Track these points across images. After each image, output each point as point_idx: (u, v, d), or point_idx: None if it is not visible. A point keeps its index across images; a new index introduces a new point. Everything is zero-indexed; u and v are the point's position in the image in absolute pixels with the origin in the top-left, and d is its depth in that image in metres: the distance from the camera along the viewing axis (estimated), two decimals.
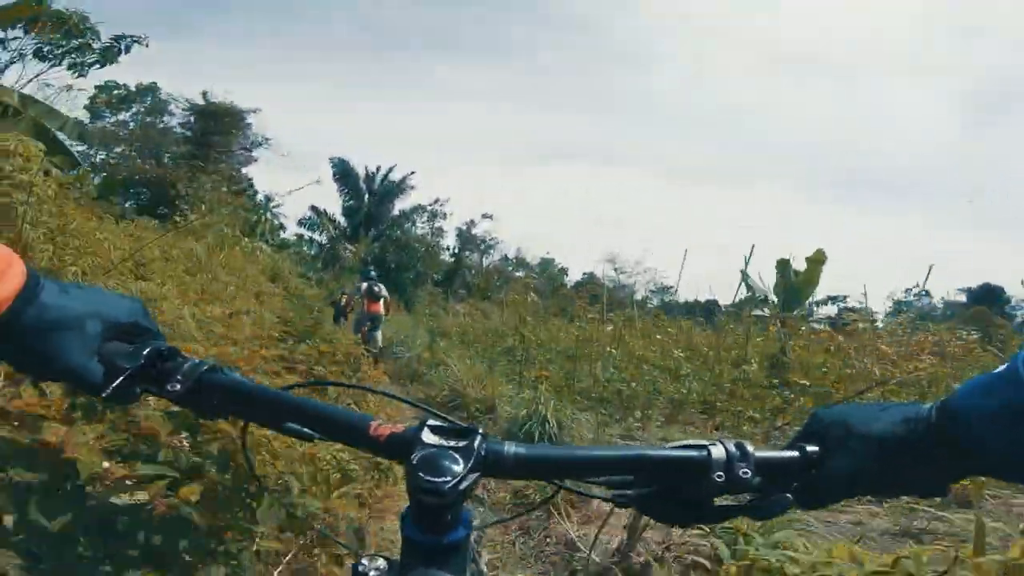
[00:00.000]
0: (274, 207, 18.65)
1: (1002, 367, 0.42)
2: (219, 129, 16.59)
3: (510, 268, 32.95)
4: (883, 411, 0.47)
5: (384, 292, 8.80)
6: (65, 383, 0.56)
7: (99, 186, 10.71)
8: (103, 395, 0.48)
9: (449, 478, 0.41)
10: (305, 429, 0.50)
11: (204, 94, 17.33)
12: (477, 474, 0.43)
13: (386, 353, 8.57)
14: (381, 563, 0.47)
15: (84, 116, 15.19)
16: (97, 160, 15.80)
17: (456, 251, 32.04)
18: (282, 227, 19.71)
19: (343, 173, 27.51)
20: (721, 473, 0.44)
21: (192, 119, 17.27)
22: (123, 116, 19.26)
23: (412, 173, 29.04)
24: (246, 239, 11.37)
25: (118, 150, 16.54)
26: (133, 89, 19.44)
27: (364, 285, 8.82)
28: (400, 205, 28.61)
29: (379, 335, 8.58)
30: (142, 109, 19.85)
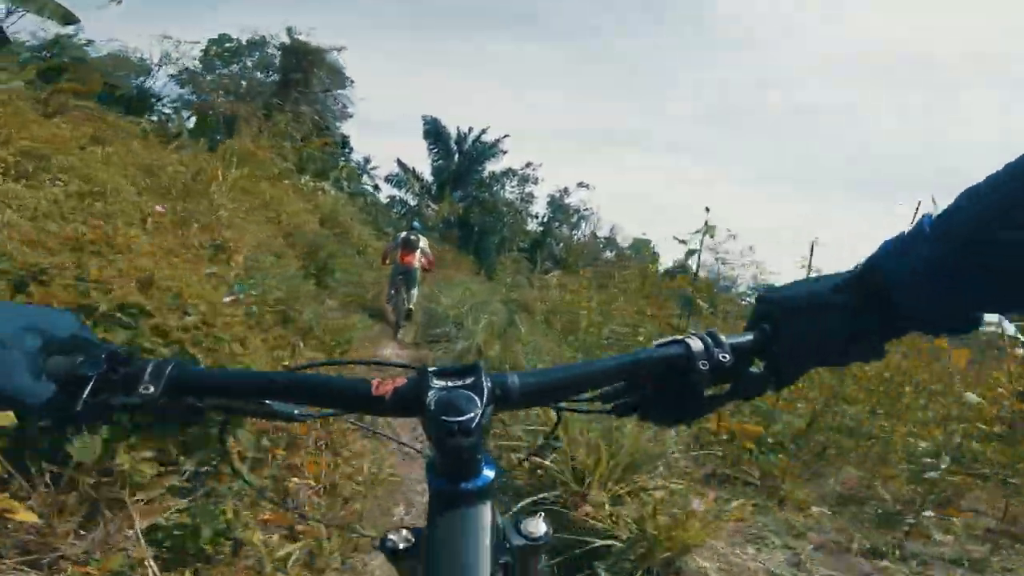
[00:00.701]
0: (372, 168, 18.00)
1: (910, 227, 0.45)
2: (300, 67, 16.01)
3: (600, 245, 30.35)
4: (816, 283, 0.50)
5: (423, 244, 7.54)
6: (11, 409, 0.43)
7: (194, 126, 11.28)
8: (74, 413, 0.42)
9: (471, 414, 0.42)
10: (295, 411, 0.50)
11: (289, 30, 16.90)
12: (491, 407, 0.44)
13: (410, 317, 7.32)
14: (406, 533, 0.51)
15: (198, 66, 16.52)
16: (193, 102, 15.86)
17: (545, 219, 29.70)
18: (376, 188, 18.82)
19: (434, 132, 26.51)
20: (704, 361, 0.48)
21: (277, 58, 16.90)
22: (234, 68, 19.39)
23: (505, 136, 27.41)
24: (306, 177, 10.36)
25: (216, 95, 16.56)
26: (244, 43, 19.55)
27: (401, 235, 7.68)
28: (490, 168, 27.15)
29: (414, 292, 7.44)
30: (250, 63, 19.93)
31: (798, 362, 0.50)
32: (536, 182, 28.06)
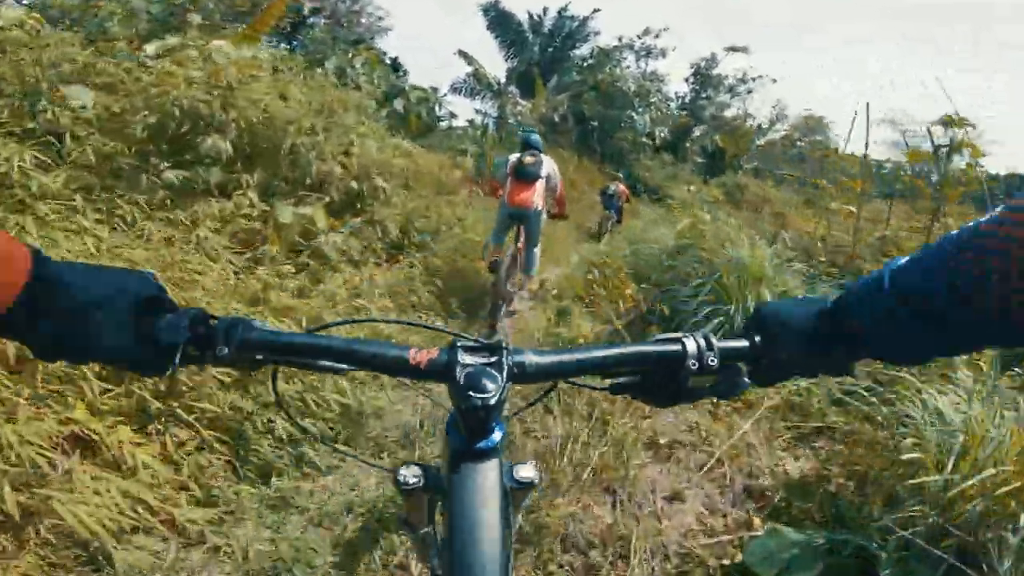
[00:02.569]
0: (442, 97, 13.01)
1: (875, 272, 0.54)
2: None
3: (761, 127, 22.16)
4: (804, 308, 0.59)
5: (547, 167, 4.24)
6: (106, 363, 0.54)
7: None
8: (162, 370, 0.52)
9: (492, 392, 0.51)
10: (339, 364, 0.57)
11: None
12: (509, 383, 0.53)
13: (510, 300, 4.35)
14: (417, 470, 0.62)
15: None
16: None
17: (691, 97, 22.50)
18: (452, 115, 13.46)
19: (499, 21, 20.92)
20: (695, 361, 0.56)
21: None
22: None
23: (596, 11, 21.14)
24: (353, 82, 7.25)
25: None
26: None
27: (513, 157, 4.33)
28: (585, 50, 20.98)
29: (535, 253, 4.40)
30: None
31: (777, 371, 0.60)
32: (662, 55, 21.21)
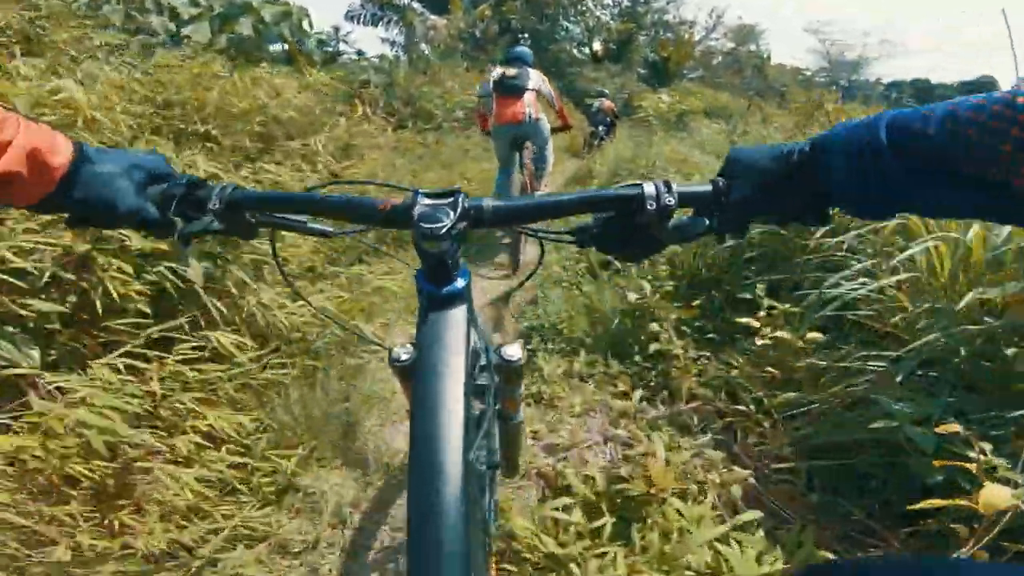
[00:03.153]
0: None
1: (864, 119, 0.50)
2: None
3: (697, 35, 20.56)
4: (771, 149, 0.57)
5: (535, 79, 3.76)
6: (129, 225, 0.62)
7: None
8: (172, 228, 0.62)
9: (443, 223, 0.56)
10: (327, 228, 0.66)
11: None
12: (464, 223, 0.58)
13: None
14: (410, 347, 0.67)
15: None
16: None
17: (630, 2, 20.58)
18: (360, 54, 10.49)
19: None
20: (652, 202, 0.56)
21: None
22: None
23: None
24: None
25: None
26: None
27: (495, 74, 3.81)
28: None
29: (546, 169, 3.86)
30: None
31: (739, 213, 0.57)
32: None
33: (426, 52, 11.00)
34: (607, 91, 11.24)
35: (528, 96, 3.67)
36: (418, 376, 0.55)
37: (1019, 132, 0.40)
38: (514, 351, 0.70)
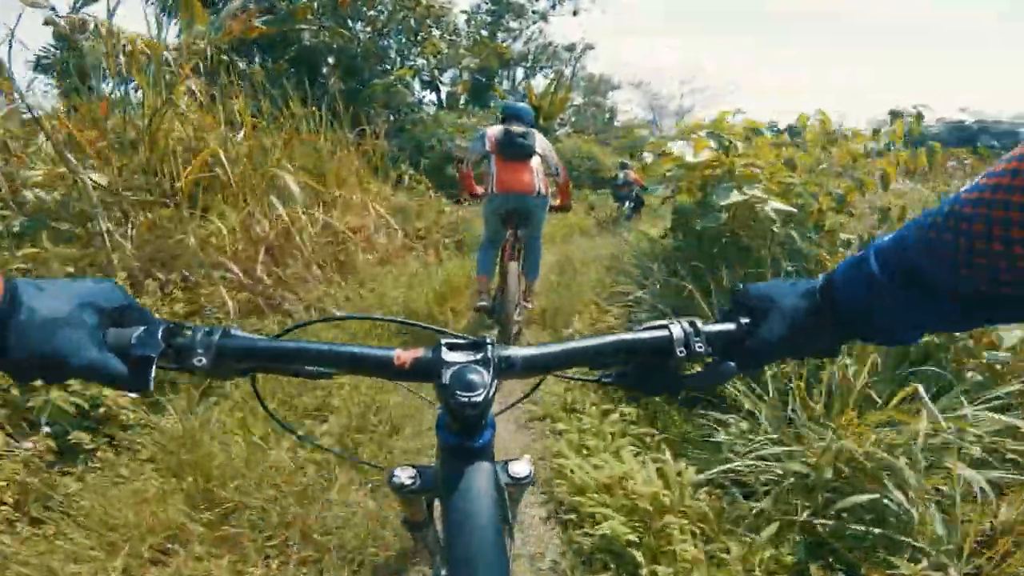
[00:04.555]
0: None
1: (861, 252, 0.54)
2: None
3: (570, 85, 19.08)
4: (792, 287, 0.58)
5: (543, 144, 3.34)
6: (84, 380, 0.52)
7: None
8: (142, 389, 0.50)
9: (480, 390, 0.50)
10: (323, 369, 0.58)
11: None
12: (496, 380, 0.52)
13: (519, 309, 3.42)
14: (411, 471, 0.64)
15: None
16: None
17: (490, 28, 16.65)
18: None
19: None
20: (682, 348, 0.55)
21: None
22: None
23: None
24: None
25: None
26: None
27: (494, 130, 3.33)
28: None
29: (539, 250, 3.55)
30: None
31: (765, 353, 0.57)
32: None
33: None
34: (630, 162, 9.51)
35: (535, 162, 3.26)
36: (450, 546, 0.50)
37: (966, 226, 0.41)
38: (523, 467, 0.65)
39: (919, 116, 3.08)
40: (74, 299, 0.47)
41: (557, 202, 3.56)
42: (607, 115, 24.81)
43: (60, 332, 0.45)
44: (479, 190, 3.40)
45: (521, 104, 3.53)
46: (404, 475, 0.63)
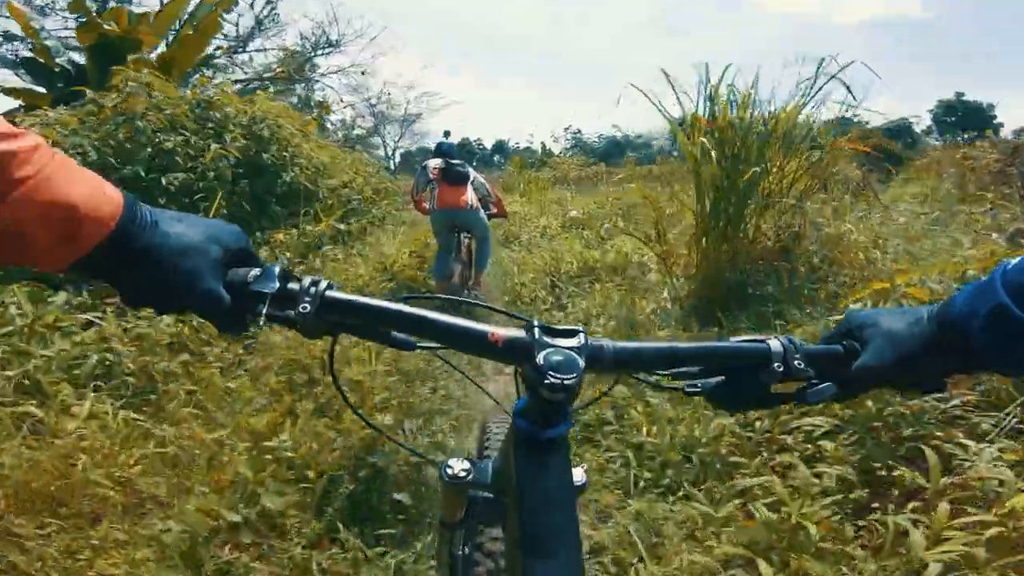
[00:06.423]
0: None
1: (985, 277, 0.51)
2: None
3: None
4: (903, 314, 0.57)
5: (473, 172, 4.41)
6: (194, 312, 0.50)
7: None
8: (247, 321, 0.50)
9: (573, 374, 0.49)
10: (410, 338, 0.58)
11: None
12: (586, 370, 0.51)
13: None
14: (466, 464, 0.65)
15: None
16: None
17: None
18: None
19: None
20: (780, 364, 0.54)
21: None
22: None
23: None
24: None
25: None
26: None
27: (434, 163, 4.33)
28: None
29: (486, 251, 4.45)
30: None
31: (872, 379, 0.56)
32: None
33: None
34: None
35: (470, 188, 4.20)
36: (525, 530, 0.49)
37: None
38: (577, 474, 0.63)
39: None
40: (203, 233, 0.50)
41: (495, 211, 4.74)
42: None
43: (187, 258, 0.47)
44: (426, 206, 4.41)
45: (448, 143, 4.62)
46: (458, 466, 0.63)
